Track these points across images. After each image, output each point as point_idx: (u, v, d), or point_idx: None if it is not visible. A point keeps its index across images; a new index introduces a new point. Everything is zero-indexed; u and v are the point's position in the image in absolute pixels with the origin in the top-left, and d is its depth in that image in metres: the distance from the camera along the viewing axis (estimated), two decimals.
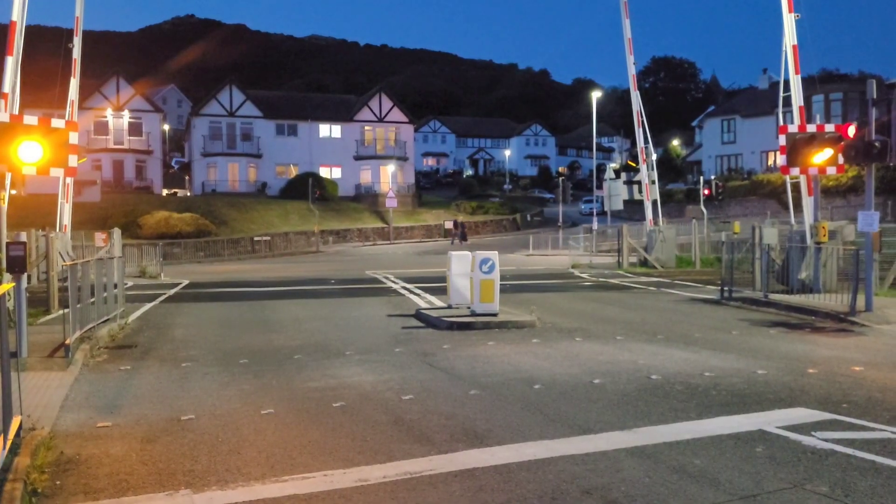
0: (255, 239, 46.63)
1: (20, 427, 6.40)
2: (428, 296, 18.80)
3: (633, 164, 31.40)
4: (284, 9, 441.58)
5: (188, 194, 61.66)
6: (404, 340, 12.08)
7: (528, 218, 61.35)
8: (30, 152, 11.80)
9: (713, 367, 9.49)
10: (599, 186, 39.55)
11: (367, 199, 60.69)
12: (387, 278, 25.10)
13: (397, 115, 65.73)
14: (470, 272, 14.43)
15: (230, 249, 44.94)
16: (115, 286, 14.90)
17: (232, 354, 11.01)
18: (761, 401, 7.64)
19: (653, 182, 27.62)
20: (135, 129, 58.73)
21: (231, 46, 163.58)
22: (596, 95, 44.05)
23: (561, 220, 45.58)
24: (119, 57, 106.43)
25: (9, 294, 15.15)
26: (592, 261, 30.44)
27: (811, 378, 8.79)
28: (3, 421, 5.77)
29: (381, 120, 64.90)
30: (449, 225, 57.04)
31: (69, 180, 28.04)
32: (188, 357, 10.86)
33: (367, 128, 64.54)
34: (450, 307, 15.00)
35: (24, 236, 10.19)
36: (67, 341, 10.43)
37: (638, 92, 27.50)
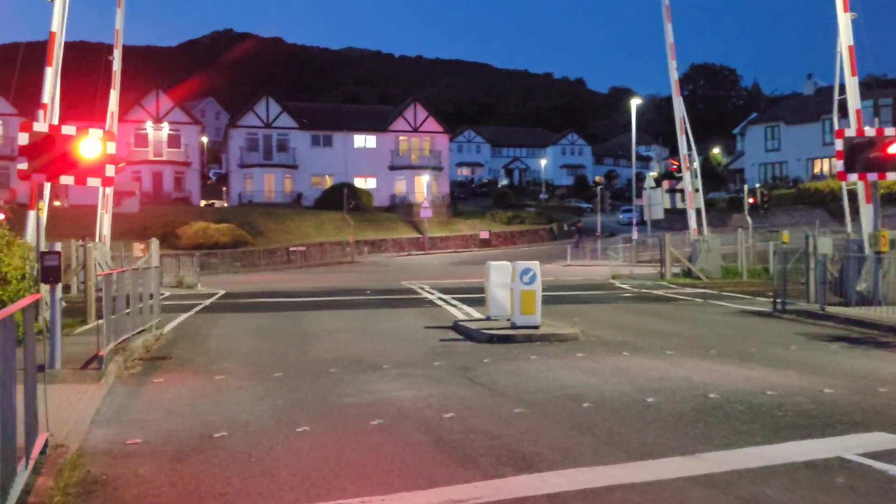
0: (291, 249, 46.70)
1: (46, 445, 6.13)
2: (465, 307, 18.38)
3: (675, 163, 30.55)
4: (320, 22, 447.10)
5: (225, 205, 62.19)
6: (443, 353, 11.66)
7: (565, 228, 60.62)
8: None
9: (774, 384, 8.90)
10: (639, 195, 38.79)
11: (401, 209, 60.55)
12: (422, 289, 24.74)
13: (432, 124, 65.60)
14: (510, 283, 13.99)
15: (266, 260, 45.04)
16: (151, 297, 14.74)
17: (266, 367, 10.70)
18: (833, 423, 7.05)
19: (696, 190, 26.88)
20: (174, 141, 59.45)
21: (268, 59, 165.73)
22: (635, 103, 43.37)
23: (599, 229, 44.86)
24: (159, 71, 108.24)
25: (46, 304, 15.10)
26: (633, 271, 29.74)
27: (884, 398, 8.16)
28: (27, 439, 5.49)
29: (415, 130, 64.81)
30: (485, 235, 56.58)
31: (108, 191, 28.24)
32: (222, 369, 10.58)
33: (401, 138, 64.50)
34: (489, 319, 14.56)
35: (58, 246, 9.99)
36: (101, 353, 10.21)
37: (681, 97, 26.84)
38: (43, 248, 14.40)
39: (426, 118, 65.30)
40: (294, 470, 5.90)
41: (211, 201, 64.50)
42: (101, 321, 10.43)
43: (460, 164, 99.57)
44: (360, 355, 11.67)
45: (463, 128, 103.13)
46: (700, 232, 26.76)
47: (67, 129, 13.11)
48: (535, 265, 13.41)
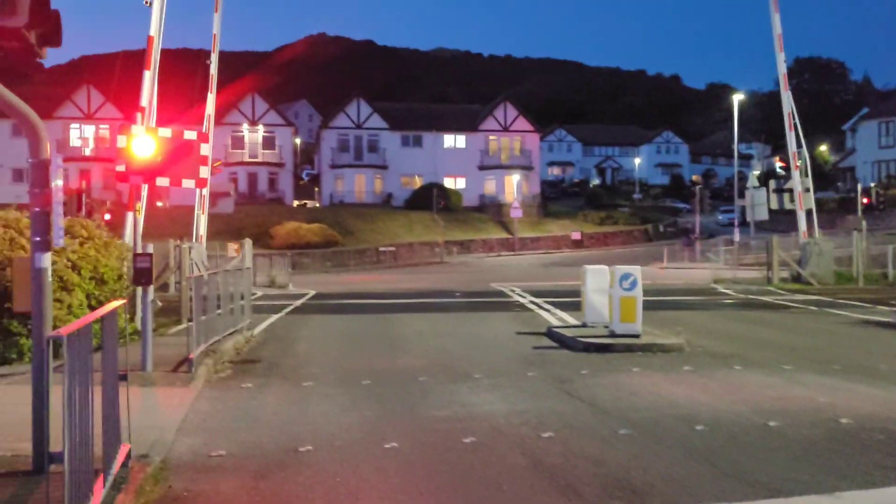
0: (381, 249, 46.94)
1: (129, 456, 5.92)
2: (559, 312, 17.69)
3: (784, 166, 28.90)
4: (411, 24, 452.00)
5: (317, 205, 63.31)
6: (537, 363, 11.07)
7: (661, 229, 58.68)
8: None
9: None
10: (741, 195, 36.92)
11: (491, 209, 60.04)
12: (513, 291, 24.15)
13: (522, 123, 64.78)
14: (608, 288, 13.31)
15: (356, 260, 45.42)
16: (242, 297, 14.75)
17: (354, 373, 10.39)
18: None
19: (807, 190, 25.19)
20: (268, 142, 60.94)
21: (360, 61, 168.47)
22: (737, 98, 41.35)
23: (698, 230, 43.06)
24: (256, 75, 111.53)
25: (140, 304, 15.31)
26: (736, 275, 28.25)
27: None
28: (106, 452, 5.25)
29: (505, 129, 64.15)
30: (577, 236, 55.37)
31: (205, 192, 28.92)
32: (310, 375, 10.34)
33: (491, 137, 63.96)
34: (584, 325, 13.86)
35: (150, 247, 9.97)
36: (191, 356, 10.14)
37: (789, 91, 25.23)
38: (139, 248, 14.66)
39: (516, 117, 64.54)
40: (381, 493, 5.48)
41: (303, 201, 65.82)
42: (191, 323, 10.35)
43: (551, 164, 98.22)
44: (450, 362, 11.22)
45: (553, 126, 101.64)
46: (810, 234, 25.08)
47: (164, 132, 13.25)
48: (635, 270, 12.63)
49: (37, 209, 5.82)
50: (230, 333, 13.21)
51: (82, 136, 56.25)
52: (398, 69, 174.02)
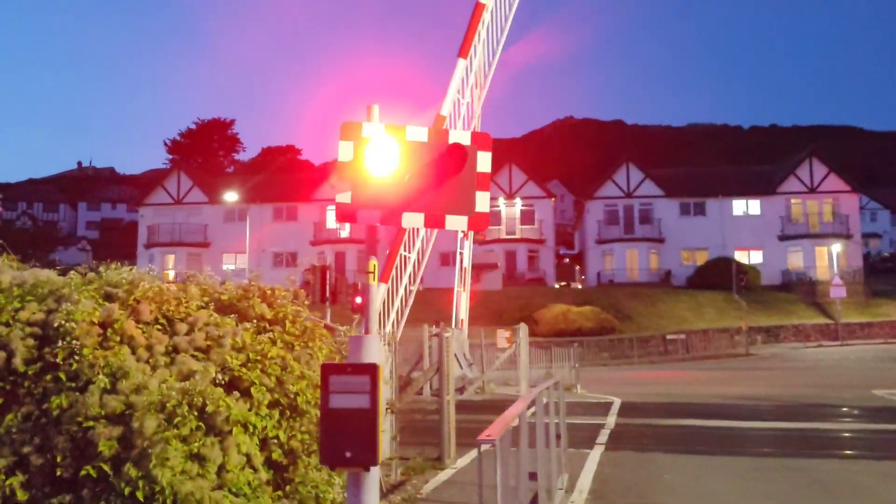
0: (668, 338, 38.27)
1: None
2: None
3: None
4: (659, 102, 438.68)
5: (580, 287, 56.03)
6: None
7: None
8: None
9: None
10: None
11: (799, 287, 48.58)
12: None
13: (834, 182, 53.04)
14: None
15: (640, 350, 37.15)
16: (559, 437, 7.65)
17: None
18: None
19: None
20: (527, 217, 55.33)
21: (610, 141, 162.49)
22: None
23: None
24: (509, 158, 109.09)
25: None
26: None
27: None
28: None
29: (812, 190, 52.68)
30: None
31: (467, 263, 23.03)
32: None
33: (794, 201, 52.71)
34: None
35: (376, 351, 3.13)
36: None
37: None
38: (375, 344, 8.12)
39: (826, 175, 52.96)
40: None
41: (565, 282, 58.96)
42: None
43: None
44: None
45: None
46: None
47: (415, 133, 6.84)
48: None
49: None
50: None
51: None
52: (651, 147, 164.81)
